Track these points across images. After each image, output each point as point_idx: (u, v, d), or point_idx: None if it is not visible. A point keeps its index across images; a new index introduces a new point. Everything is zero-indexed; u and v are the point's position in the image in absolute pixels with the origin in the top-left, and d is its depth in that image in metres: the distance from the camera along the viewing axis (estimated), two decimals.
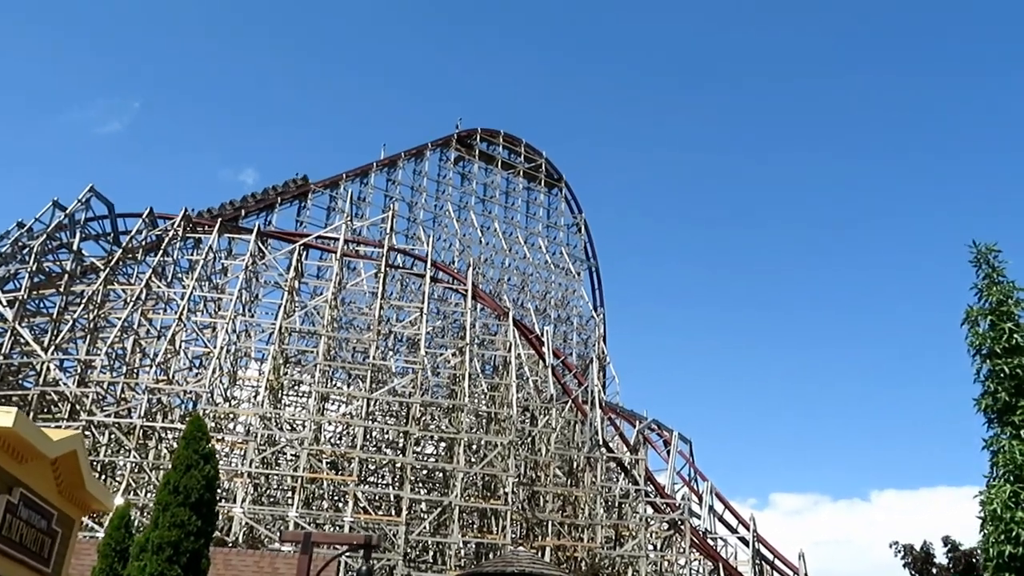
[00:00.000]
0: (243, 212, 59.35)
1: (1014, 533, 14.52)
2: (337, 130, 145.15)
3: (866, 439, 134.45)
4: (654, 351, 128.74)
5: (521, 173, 78.28)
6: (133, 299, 43.73)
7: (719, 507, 54.10)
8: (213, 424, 43.05)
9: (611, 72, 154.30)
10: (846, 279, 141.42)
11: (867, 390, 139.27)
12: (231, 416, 45.09)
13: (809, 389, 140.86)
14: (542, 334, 51.48)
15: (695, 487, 55.59)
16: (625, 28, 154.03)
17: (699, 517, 52.91)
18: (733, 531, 53.12)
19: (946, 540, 26.57)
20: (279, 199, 63.38)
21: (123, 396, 42.27)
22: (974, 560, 24.85)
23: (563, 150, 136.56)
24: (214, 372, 42.15)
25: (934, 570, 26.92)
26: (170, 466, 12.32)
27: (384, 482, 47.11)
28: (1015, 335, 15.92)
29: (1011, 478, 15.28)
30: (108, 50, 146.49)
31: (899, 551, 27.96)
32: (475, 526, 46.35)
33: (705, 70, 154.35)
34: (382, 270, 47.61)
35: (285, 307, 46.04)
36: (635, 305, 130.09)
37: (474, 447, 45.58)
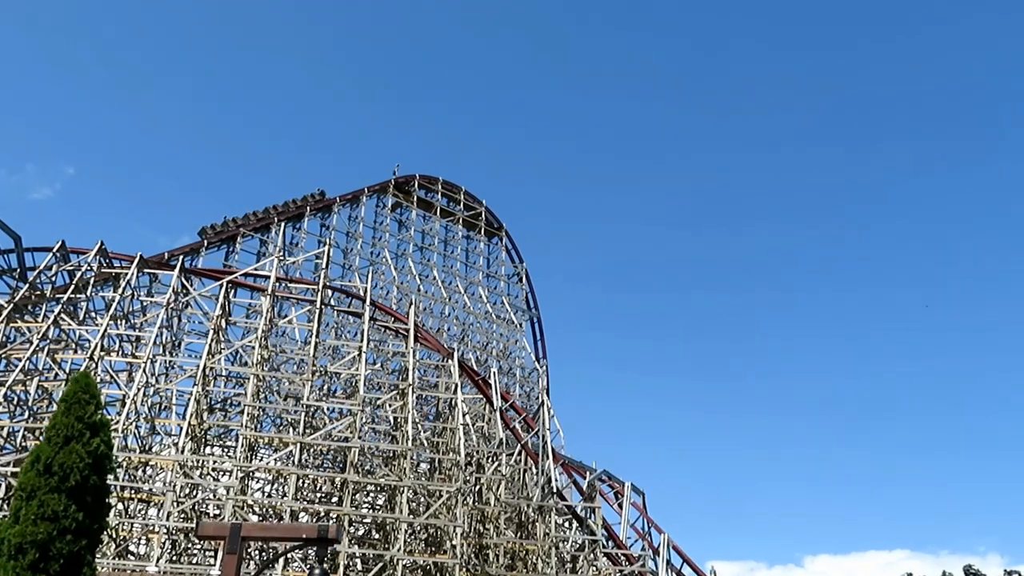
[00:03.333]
0: (166, 255, 55.52)
1: None
2: (270, 177, 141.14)
3: (799, 505, 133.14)
4: (598, 404, 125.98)
5: (460, 221, 76.01)
6: (39, 337, 39.55)
7: (676, 560, 51.02)
8: (126, 475, 38.79)
9: (552, 124, 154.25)
10: (785, 345, 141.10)
11: (799, 455, 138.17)
12: (147, 464, 40.74)
13: (742, 457, 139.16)
14: (489, 377, 48.37)
15: (650, 540, 52.46)
16: (563, 84, 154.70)
17: (654, 573, 49.76)
18: None
19: (967, 570, 23.92)
20: (205, 242, 59.83)
21: (24, 444, 37.76)
22: None
23: (502, 199, 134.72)
24: (128, 416, 37.99)
25: None
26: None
27: None
28: None
29: None
30: (39, 115, 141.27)
31: None
32: None
33: (644, 132, 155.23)
34: (317, 307, 44.21)
35: (210, 347, 42.24)
36: (578, 357, 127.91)
37: (417, 498, 41.95)
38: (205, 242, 59.42)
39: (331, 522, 42.55)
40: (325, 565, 8.53)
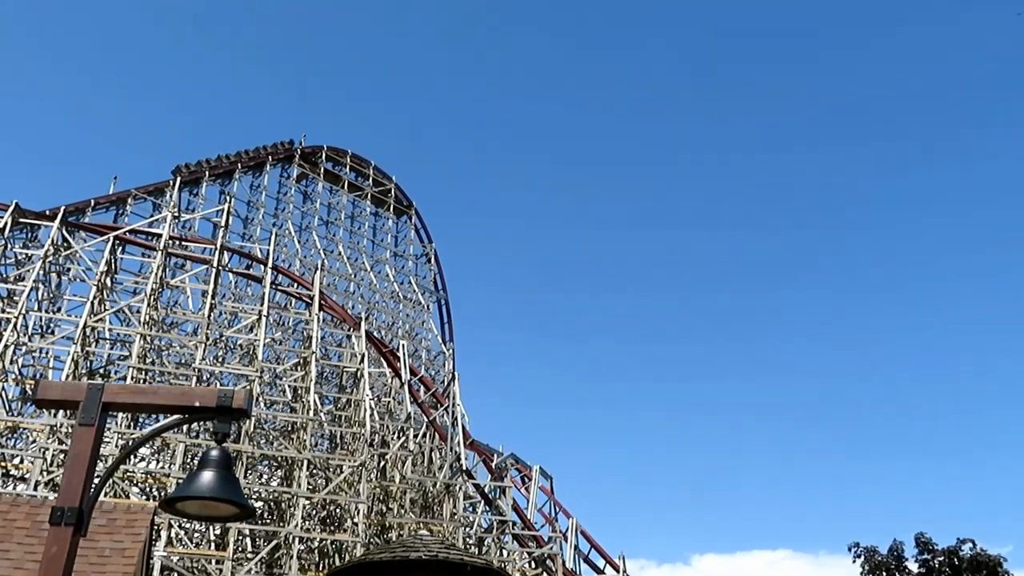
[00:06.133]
0: (47, 212, 51.20)
1: None
2: (166, 141, 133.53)
3: (686, 504, 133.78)
4: (502, 395, 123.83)
5: (368, 197, 73.16)
6: None
7: (584, 546, 49.55)
8: None
9: (475, 112, 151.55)
10: (674, 349, 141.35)
11: (685, 455, 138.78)
12: (15, 431, 36.89)
13: (632, 457, 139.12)
14: (397, 349, 45.93)
15: (557, 525, 50.84)
16: (488, 70, 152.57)
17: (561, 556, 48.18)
18: (600, 572, 48.58)
19: (919, 539, 22.41)
20: (93, 203, 55.50)
21: None
22: (956, 561, 20.80)
23: (412, 177, 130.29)
24: None
25: None
26: None
27: None
28: None
29: None
30: None
31: (858, 554, 23.64)
32: (316, 564, 39.66)
33: (562, 131, 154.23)
34: (214, 266, 40.99)
35: (93, 305, 38.58)
36: (485, 340, 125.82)
37: (318, 470, 39.21)
38: (92, 202, 55.12)
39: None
40: (227, 447, 6.14)
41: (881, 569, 22.92)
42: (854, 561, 23.79)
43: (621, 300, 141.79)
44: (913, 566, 22.87)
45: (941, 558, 21.96)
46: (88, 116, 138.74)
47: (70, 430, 35.50)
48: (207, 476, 5.84)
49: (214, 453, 6.01)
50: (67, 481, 5.70)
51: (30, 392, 38.02)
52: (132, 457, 41.48)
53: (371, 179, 73.58)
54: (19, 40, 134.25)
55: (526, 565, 44.22)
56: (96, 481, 5.88)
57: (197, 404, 6.07)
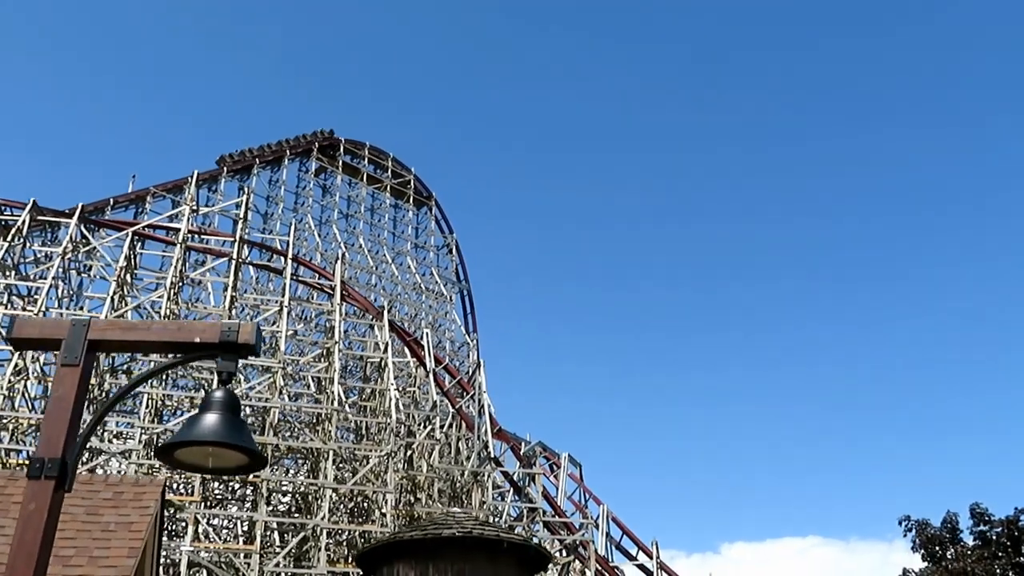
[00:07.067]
0: (66, 211, 51.05)
1: None
2: (184, 134, 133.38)
3: (715, 493, 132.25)
4: (527, 382, 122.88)
5: (388, 189, 72.55)
6: None
7: (615, 533, 48.76)
8: (14, 439, 34.67)
9: (479, 90, 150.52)
10: (703, 340, 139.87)
11: (712, 442, 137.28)
12: (37, 426, 36.54)
13: (658, 446, 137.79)
14: (421, 338, 45.33)
15: (587, 512, 50.10)
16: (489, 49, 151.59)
17: (593, 543, 47.47)
18: (632, 559, 47.77)
19: (974, 510, 21.33)
20: (112, 201, 55.30)
21: None
22: (1015, 532, 19.74)
23: (431, 171, 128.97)
24: (18, 372, 33.91)
25: (950, 553, 21.54)
26: None
27: (233, 503, 39.39)
28: None
29: None
30: None
31: (909, 528, 22.66)
32: (345, 557, 39.15)
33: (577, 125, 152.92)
34: (234, 258, 40.51)
35: (113, 301, 38.20)
36: (509, 331, 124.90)
37: (344, 462, 38.68)
38: (111, 200, 54.91)
39: (250, 484, 38.97)
40: (232, 386, 5.41)
41: (934, 543, 21.78)
42: (905, 535, 22.85)
43: (644, 293, 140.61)
44: (968, 539, 21.93)
45: (999, 529, 20.97)
46: (106, 117, 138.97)
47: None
48: (210, 419, 5.01)
49: (218, 394, 5.20)
50: (48, 429, 4.99)
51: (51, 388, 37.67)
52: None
53: (390, 171, 72.96)
54: (37, 41, 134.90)
55: (557, 553, 43.46)
56: (83, 429, 5.19)
57: (197, 340, 5.31)
